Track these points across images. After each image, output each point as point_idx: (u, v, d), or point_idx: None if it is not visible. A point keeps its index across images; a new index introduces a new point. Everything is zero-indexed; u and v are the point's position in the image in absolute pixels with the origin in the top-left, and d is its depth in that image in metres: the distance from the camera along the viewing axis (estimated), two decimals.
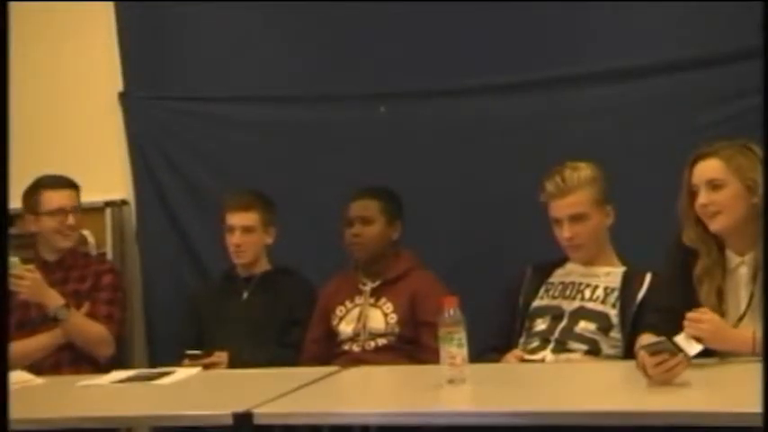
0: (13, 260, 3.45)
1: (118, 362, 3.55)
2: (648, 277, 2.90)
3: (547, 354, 2.90)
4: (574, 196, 2.96)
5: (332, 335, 3.38)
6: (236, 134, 4.01)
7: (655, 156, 3.43)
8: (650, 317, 2.70)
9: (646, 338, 2.51)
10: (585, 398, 2.41)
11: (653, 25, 3.52)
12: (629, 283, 2.93)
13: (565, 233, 2.99)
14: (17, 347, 3.50)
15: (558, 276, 3.07)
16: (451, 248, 3.65)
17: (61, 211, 3.65)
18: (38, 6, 4.19)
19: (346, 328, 3.34)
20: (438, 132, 3.76)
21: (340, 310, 3.38)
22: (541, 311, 3.01)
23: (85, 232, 4.03)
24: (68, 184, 3.69)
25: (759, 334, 2.44)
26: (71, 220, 3.64)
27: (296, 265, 3.60)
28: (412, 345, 3.24)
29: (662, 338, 2.35)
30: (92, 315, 3.55)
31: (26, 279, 3.41)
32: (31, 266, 3.46)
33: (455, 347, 2.43)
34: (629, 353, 2.73)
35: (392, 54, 3.79)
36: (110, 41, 4.12)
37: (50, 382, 3.10)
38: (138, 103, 4.12)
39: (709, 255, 2.63)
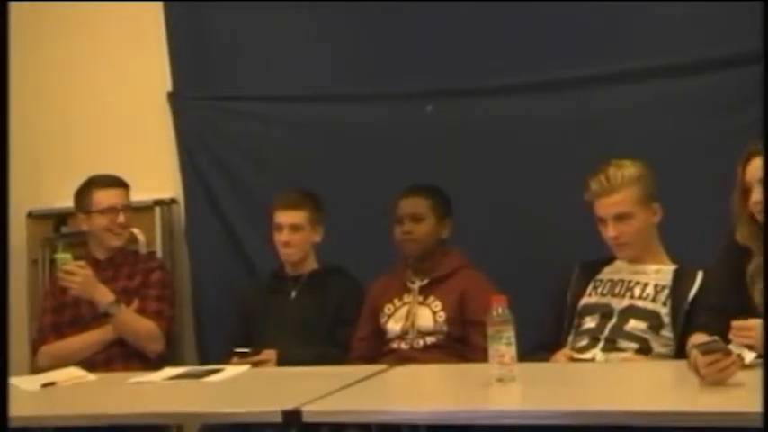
0: (65, 256, 3.50)
1: (168, 359, 3.59)
2: (700, 275, 2.87)
3: (596, 352, 2.88)
4: (618, 195, 2.94)
5: (380, 333, 3.38)
6: (283, 133, 4.03)
7: (704, 153, 3.39)
8: (702, 316, 2.67)
9: (698, 338, 2.48)
10: (636, 397, 2.39)
11: (696, 22, 3.48)
12: (680, 281, 2.90)
13: (610, 232, 2.96)
14: (70, 343, 3.59)
15: (606, 274, 3.04)
16: (499, 247, 3.64)
17: (112, 210, 3.70)
18: (88, 6, 4.25)
19: (394, 327, 3.34)
20: (485, 131, 3.75)
21: (388, 309, 3.39)
22: (590, 309, 2.99)
23: (135, 231, 4.07)
24: (119, 183, 3.74)
25: None
26: (121, 218, 3.70)
27: (344, 264, 3.61)
28: (460, 343, 3.24)
29: (715, 337, 2.33)
30: (141, 312, 3.60)
31: (77, 275, 3.48)
32: (82, 262, 3.52)
33: (504, 346, 2.42)
34: (680, 352, 2.70)
35: (439, 52, 3.78)
36: (159, 42, 4.16)
37: (102, 379, 3.15)
38: (186, 102, 4.15)
39: (762, 253, 2.60)
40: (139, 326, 3.57)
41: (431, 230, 3.37)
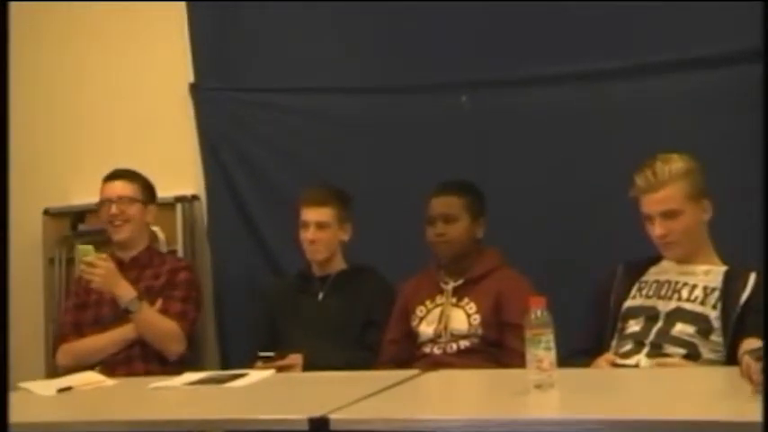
0: (87, 247, 3.52)
1: (189, 362, 3.60)
2: (753, 277, 2.82)
3: (641, 358, 2.85)
4: (665, 191, 2.90)
5: (411, 336, 3.38)
6: (309, 127, 4.03)
7: (757, 148, 3.34)
8: (755, 320, 2.63)
9: (750, 343, 2.44)
10: (684, 406, 2.35)
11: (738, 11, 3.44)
12: (731, 284, 2.85)
13: (657, 230, 2.92)
14: (90, 342, 3.64)
15: (652, 275, 3.01)
16: (535, 245, 3.62)
17: (107, 202, 3.72)
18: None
19: (427, 330, 3.33)
20: (521, 123, 3.73)
21: (420, 311, 3.38)
22: (635, 312, 2.96)
23: (155, 228, 4.09)
24: (120, 175, 3.75)
25: None
26: (113, 209, 3.70)
27: (373, 264, 3.60)
28: (496, 347, 3.22)
29: None
30: (164, 312, 3.62)
31: (99, 267, 3.50)
32: (104, 255, 3.55)
33: (542, 350, 2.39)
34: (731, 358, 2.66)
35: (474, 42, 3.77)
36: (180, 32, 4.18)
37: (122, 384, 3.15)
38: (208, 95, 4.17)
39: None
40: (160, 325, 3.59)
41: (465, 231, 3.35)
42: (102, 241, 3.82)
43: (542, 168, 3.69)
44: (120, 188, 3.73)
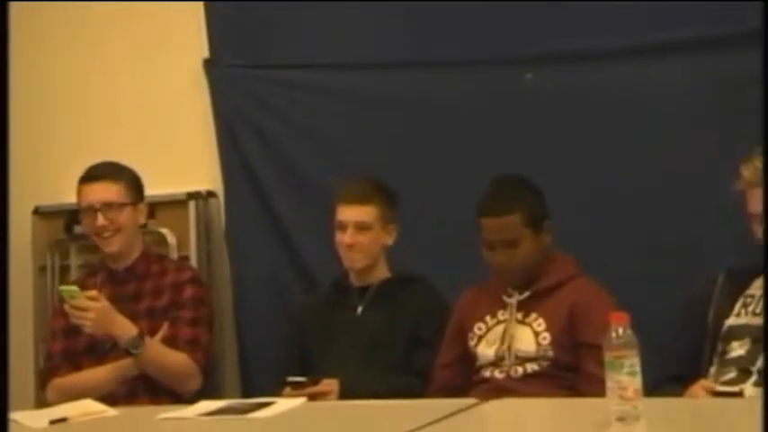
0: (72, 289, 3.54)
1: (204, 390, 3.62)
2: None
3: (747, 387, 2.83)
4: None
5: (468, 359, 3.38)
6: (346, 109, 4.05)
7: None
8: None
9: None
10: None
11: None
12: None
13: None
14: (85, 378, 3.64)
15: (758, 287, 2.98)
16: (614, 250, 3.61)
17: (90, 210, 3.71)
18: None
19: (487, 351, 3.33)
20: (595, 105, 3.73)
21: (479, 328, 3.38)
22: (739, 332, 2.94)
23: (164, 231, 4.12)
24: (100, 175, 3.72)
25: None
26: (100, 220, 3.68)
27: (421, 272, 3.61)
28: (570, 371, 3.22)
29: None
30: (172, 340, 3.61)
31: (90, 310, 3.49)
32: (93, 293, 3.54)
33: (626, 376, 2.38)
34: None
35: (537, 10, 3.75)
36: (191, 7, 4.20)
37: (126, 414, 3.17)
38: (226, 72, 4.19)
39: None
40: (170, 362, 3.59)
41: (531, 249, 3.32)
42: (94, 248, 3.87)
43: (619, 154, 3.69)
44: (104, 192, 3.70)
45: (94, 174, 3.73)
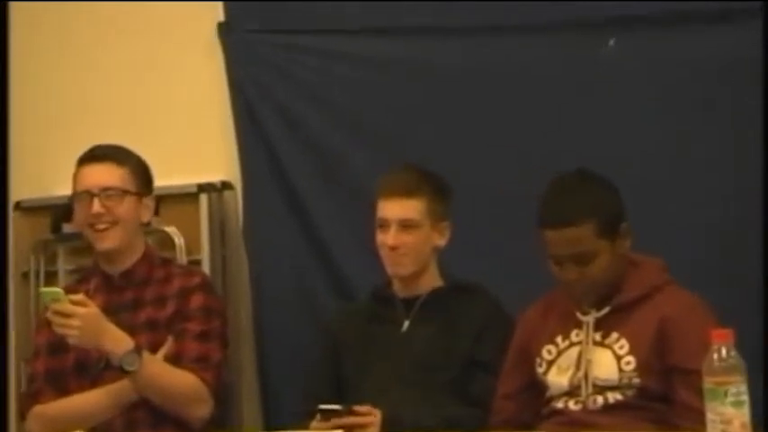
0: (54, 290, 3.50)
1: (219, 420, 3.65)
2: None
3: None
4: None
5: (537, 387, 3.37)
6: (392, 85, 4.06)
7: None
8: None
9: None
10: None
11: None
12: None
13: None
14: (73, 404, 3.63)
15: None
16: (703, 248, 3.66)
17: (86, 195, 3.67)
18: None
19: (559, 379, 3.31)
20: (680, 80, 3.75)
21: (548, 352, 3.36)
22: None
23: (170, 230, 4.14)
24: (106, 156, 3.71)
25: None
26: (96, 206, 3.64)
27: (479, 281, 3.61)
28: (660, 402, 3.19)
29: None
30: (177, 358, 3.59)
31: (75, 317, 3.44)
32: (80, 296, 3.50)
33: (730, 407, 2.39)
34: None
35: None
36: None
37: None
38: (245, 38, 4.22)
39: None
40: (174, 383, 3.57)
41: (607, 262, 3.28)
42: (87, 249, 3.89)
43: (701, 141, 3.73)
44: (105, 175, 3.67)
45: (96, 154, 3.71)
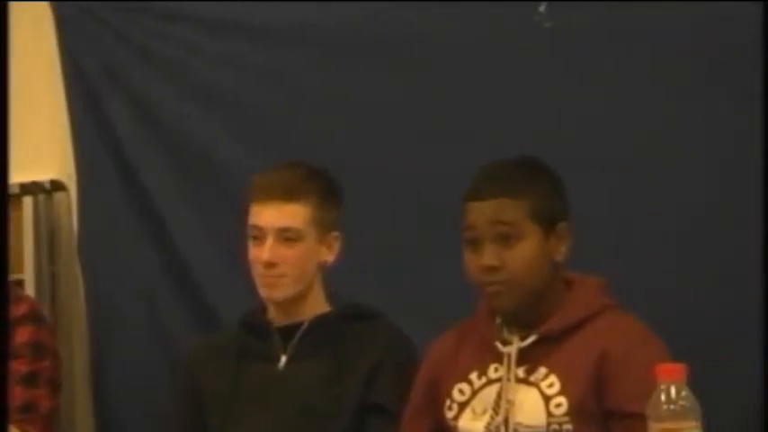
0: None
1: None
2: None
3: None
4: None
5: None
6: (268, 61, 4.12)
7: None
8: None
9: None
10: None
11: None
12: None
13: None
14: None
15: None
16: (665, 273, 3.76)
17: None
18: None
19: (474, 425, 3.33)
20: (636, 53, 3.87)
21: (461, 392, 3.38)
22: None
23: None
24: None
25: None
26: None
27: (375, 306, 3.66)
28: None
29: None
30: None
31: None
32: None
33: None
34: None
35: None
36: None
37: None
38: (82, 16, 4.27)
39: None
40: None
41: (534, 253, 3.22)
42: None
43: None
44: None
45: None
